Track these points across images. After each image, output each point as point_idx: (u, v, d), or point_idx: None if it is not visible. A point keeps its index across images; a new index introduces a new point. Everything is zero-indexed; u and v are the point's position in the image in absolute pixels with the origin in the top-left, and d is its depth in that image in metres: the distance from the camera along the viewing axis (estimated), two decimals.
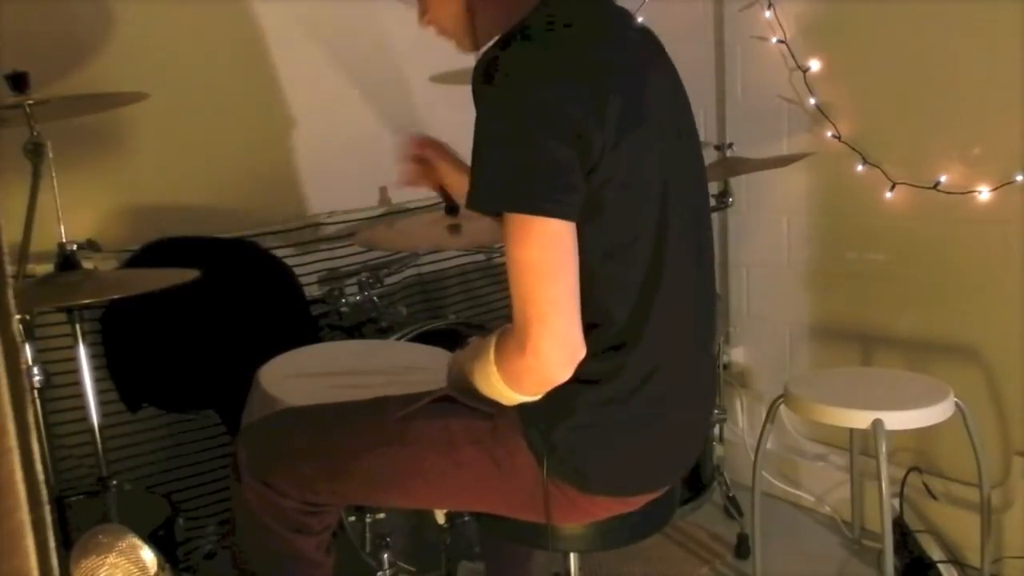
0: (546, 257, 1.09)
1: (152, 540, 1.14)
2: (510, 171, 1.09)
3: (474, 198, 1.12)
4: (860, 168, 2.46)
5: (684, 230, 1.24)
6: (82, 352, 1.66)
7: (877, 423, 1.90)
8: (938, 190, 2.30)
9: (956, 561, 2.27)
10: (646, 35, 1.31)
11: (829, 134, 2.52)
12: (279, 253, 2.33)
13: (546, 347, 1.10)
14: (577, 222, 1.12)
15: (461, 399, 1.26)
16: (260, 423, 1.51)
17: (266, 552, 1.42)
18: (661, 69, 1.28)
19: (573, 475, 1.23)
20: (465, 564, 1.89)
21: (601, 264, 1.17)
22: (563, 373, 1.13)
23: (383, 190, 2.62)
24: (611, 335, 1.20)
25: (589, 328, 1.15)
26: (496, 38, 1.20)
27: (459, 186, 1.46)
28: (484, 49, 1.18)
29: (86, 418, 1.69)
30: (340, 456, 1.34)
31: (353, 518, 1.77)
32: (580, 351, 1.13)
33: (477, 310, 2.73)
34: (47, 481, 0.57)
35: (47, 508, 0.56)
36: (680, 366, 1.28)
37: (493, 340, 1.19)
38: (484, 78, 1.11)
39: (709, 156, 2.53)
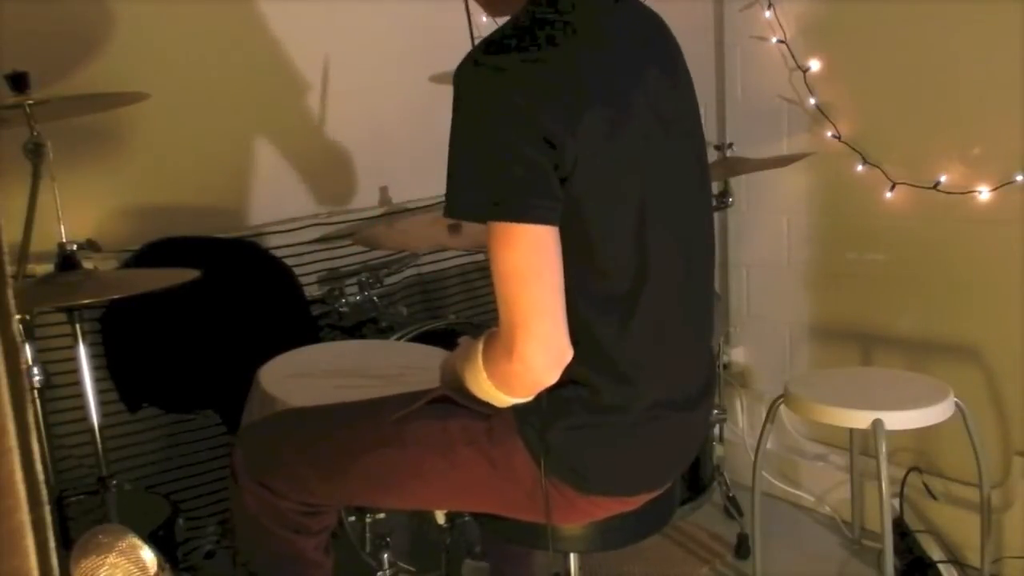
0: (529, 263, 1.09)
1: (152, 540, 1.14)
2: (487, 178, 1.08)
3: (453, 206, 1.11)
4: (860, 168, 2.46)
5: (671, 236, 1.22)
6: (82, 352, 1.66)
7: (877, 423, 1.90)
8: (938, 190, 2.30)
9: (956, 561, 2.27)
10: (654, 31, 1.28)
11: (829, 134, 2.52)
12: (279, 253, 2.33)
13: (531, 351, 1.09)
14: (561, 231, 1.10)
15: (457, 398, 1.26)
16: (257, 425, 1.50)
17: (265, 553, 1.42)
18: (662, 69, 1.25)
19: (570, 475, 1.22)
20: (468, 563, 1.89)
21: (581, 275, 1.15)
22: (550, 377, 1.13)
23: (383, 190, 2.62)
24: (598, 345, 1.19)
25: (577, 333, 1.13)
26: (501, 26, 1.18)
27: None
28: (477, 48, 1.16)
29: (86, 418, 1.69)
30: (337, 457, 1.33)
31: (353, 518, 1.77)
32: (567, 354, 1.13)
33: (477, 310, 2.72)
34: (47, 481, 0.57)
35: (47, 508, 0.56)
36: (677, 370, 1.28)
37: (480, 345, 1.18)
38: (459, 82, 1.10)
39: (710, 156, 2.54)
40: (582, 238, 1.14)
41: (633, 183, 1.17)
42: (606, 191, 1.14)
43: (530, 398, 1.18)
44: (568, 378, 1.16)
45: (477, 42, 1.15)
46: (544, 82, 1.09)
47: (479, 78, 1.09)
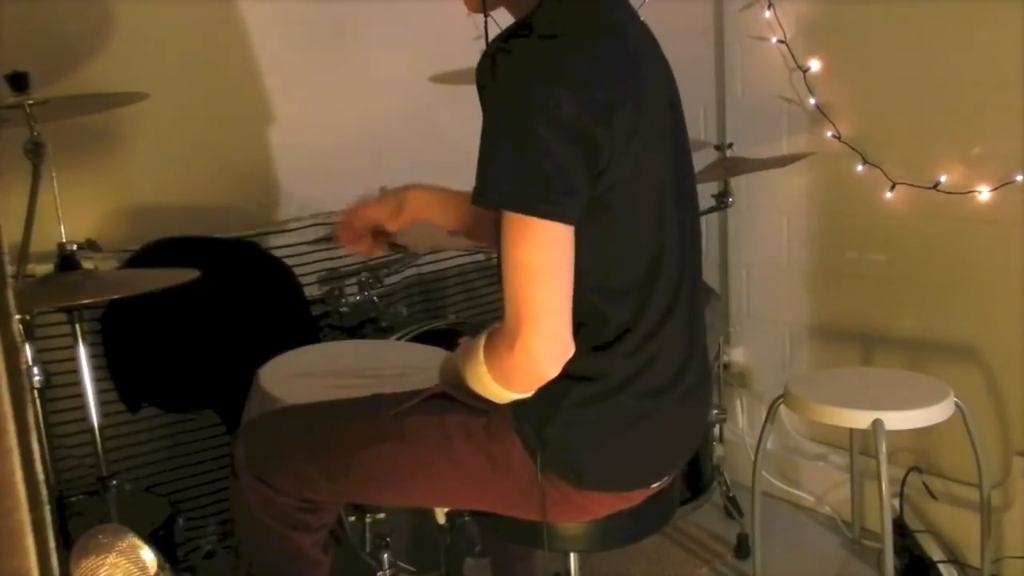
0: (542, 258, 1.09)
1: (152, 540, 1.14)
2: (513, 170, 1.09)
3: (477, 194, 1.11)
4: (860, 168, 2.46)
5: (678, 229, 1.25)
6: (82, 352, 1.66)
7: (877, 423, 1.90)
8: (938, 190, 2.30)
9: (956, 561, 2.27)
10: (645, 32, 1.30)
11: (829, 134, 2.52)
12: (279, 253, 2.33)
13: (535, 345, 1.10)
14: (580, 223, 1.11)
15: (455, 395, 1.27)
16: (257, 421, 1.51)
17: (264, 549, 1.42)
18: (657, 67, 1.27)
19: (567, 470, 1.23)
20: (469, 561, 1.89)
21: (598, 265, 1.17)
22: (551, 371, 1.14)
23: (383, 190, 2.61)
24: (603, 333, 1.20)
25: (580, 326, 1.15)
26: (499, 31, 1.19)
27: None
28: (488, 42, 1.17)
29: (86, 418, 1.69)
30: (336, 453, 1.34)
31: (353, 518, 1.77)
32: (569, 349, 1.13)
33: (477, 310, 2.73)
34: (47, 481, 0.57)
35: (47, 508, 0.56)
36: (673, 362, 1.28)
37: (483, 339, 1.19)
38: (491, 74, 1.10)
39: (709, 156, 2.54)
40: (606, 228, 1.16)
41: (654, 172, 1.19)
42: (632, 182, 1.15)
43: (529, 394, 1.19)
44: (566, 373, 1.16)
45: (492, 36, 1.15)
46: (578, 76, 1.09)
47: (513, 69, 1.09)
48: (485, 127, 1.10)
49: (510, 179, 1.09)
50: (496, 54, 1.11)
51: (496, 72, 1.10)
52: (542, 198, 1.08)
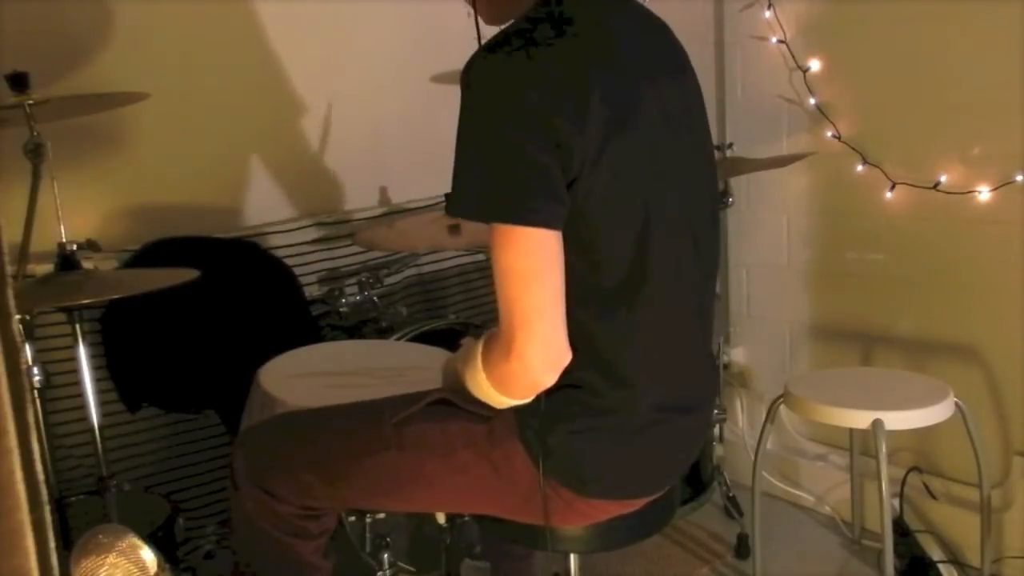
0: (530, 264, 1.09)
1: (152, 540, 1.14)
2: (491, 180, 1.08)
3: (456, 206, 1.11)
4: (860, 168, 2.46)
5: (674, 237, 1.22)
6: (82, 352, 1.66)
7: (877, 423, 1.90)
8: (938, 190, 2.30)
9: (956, 561, 2.27)
10: (658, 32, 1.28)
11: (829, 134, 2.52)
12: (279, 253, 2.33)
13: (530, 352, 1.10)
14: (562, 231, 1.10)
15: (457, 401, 1.26)
16: (257, 429, 1.50)
17: (264, 557, 1.41)
18: (668, 69, 1.25)
19: (570, 479, 1.22)
20: (468, 563, 1.89)
21: (582, 277, 1.15)
22: (548, 378, 1.13)
23: (383, 190, 2.62)
24: (599, 348, 1.19)
25: (575, 334, 1.13)
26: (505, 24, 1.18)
27: None
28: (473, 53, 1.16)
29: (86, 418, 1.69)
30: (338, 462, 1.33)
31: (353, 518, 1.76)
32: (565, 356, 1.13)
33: (477, 310, 2.72)
34: (47, 481, 0.57)
35: (47, 508, 0.56)
36: (679, 374, 1.28)
37: (480, 345, 1.19)
38: (467, 82, 1.10)
39: None
40: (585, 239, 1.14)
41: (638, 184, 1.17)
42: (611, 192, 1.13)
43: (527, 400, 1.18)
44: (568, 381, 1.16)
45: (483, 41, 1.15)
46: (553, 81, 1.09)
47: (488, 76, 1.09)
48: (459, 138, 1.10)
49: (489, 189, 1.08)
50: (474, 63, 1.10)
51: (472, 81, 1.10)
52: (523, 206, 1.07)
